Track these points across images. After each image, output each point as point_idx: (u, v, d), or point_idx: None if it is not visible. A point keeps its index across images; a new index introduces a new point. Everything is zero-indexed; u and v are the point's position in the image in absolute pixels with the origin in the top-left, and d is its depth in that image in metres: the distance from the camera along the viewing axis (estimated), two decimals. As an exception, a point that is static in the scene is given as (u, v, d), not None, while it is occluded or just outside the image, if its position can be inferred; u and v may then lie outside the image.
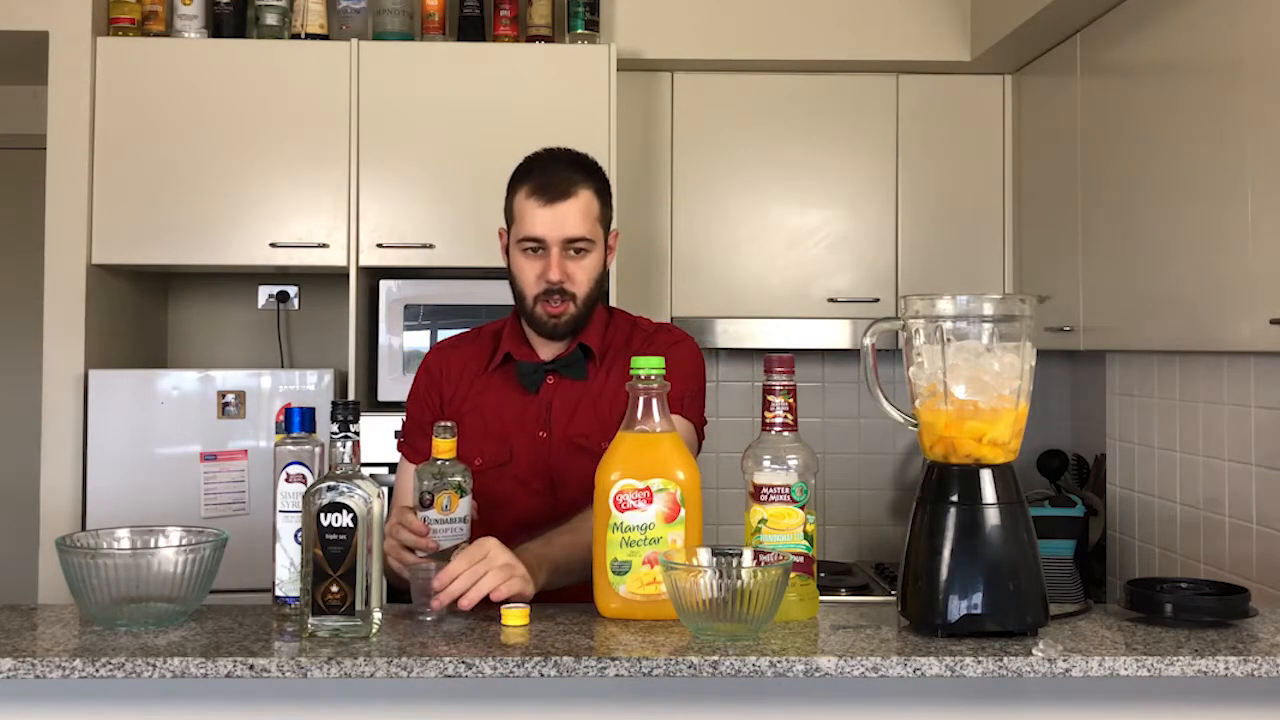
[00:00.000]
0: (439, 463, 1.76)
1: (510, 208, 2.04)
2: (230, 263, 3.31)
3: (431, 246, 3.30)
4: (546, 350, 2.06)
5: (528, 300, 2.01)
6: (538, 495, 2.02)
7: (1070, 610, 1.71)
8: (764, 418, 1.71)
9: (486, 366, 2.08)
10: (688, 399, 2.03)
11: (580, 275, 2.00)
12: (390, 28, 3.38)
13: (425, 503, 1.74)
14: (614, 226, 2.09)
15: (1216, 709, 1.57)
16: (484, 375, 2.07)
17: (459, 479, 1.76)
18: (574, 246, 1.98)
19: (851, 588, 3.40)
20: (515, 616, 1.62)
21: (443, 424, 1.77)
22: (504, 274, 3.32)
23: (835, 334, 3.58)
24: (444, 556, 1.70)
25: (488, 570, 1.65)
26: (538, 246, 1.98)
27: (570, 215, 1.97)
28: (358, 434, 1.58)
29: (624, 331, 2.10)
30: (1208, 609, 1.65)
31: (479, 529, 1.95)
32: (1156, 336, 2.75)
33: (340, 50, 3.31)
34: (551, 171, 2.00)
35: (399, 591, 2.17)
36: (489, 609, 1.64)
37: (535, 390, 2.04)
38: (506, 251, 2.06)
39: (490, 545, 1.68)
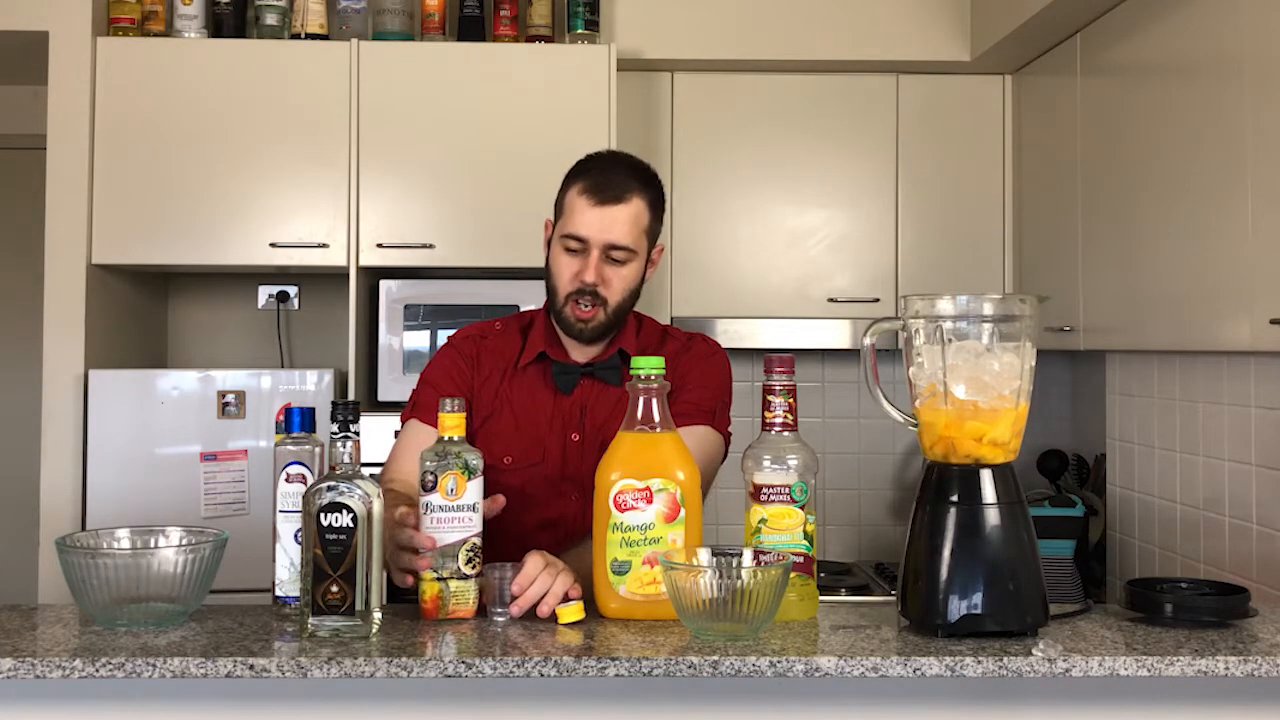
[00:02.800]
0: (443, 440, 1.64)
1: (561, 202, 2.01)
2: (230, 263, 3.31)
3: (431, 246, 3.30)
4: (580, 353, 2.04)
5: (559, 298, 1.98)
6: (565, 497, 2.01)
7: (1070, 610, 1.71)
8: (764, 418, 1.71)
9: (516, 362, 2.04)
10: (719, 411, 2.03)
11: (616, 283, 1.96)
12: (390, 28, 3.39)
13: (427, 486, 1.63)
14: (660, 242, 2.05)
15: (1216, 709, 1.57)
16: (514, 371, 2.04)
17: (467, 458, 1.63)
18: (615, 254, 1.95)
19: (851, 588, 3.40)
20: (570, 613, 1.61)
21: (451, 399, 1.66)
22: (504, 274, 3.38)
23: (835, 334, 3.58)
24: (451, 554, 1.62)
25: (559, 573, 1.64)
26: (580, 247, 1.95)
27: (618, 221, 1.94)
28: (358, 434, 1.58)
29: (654, 338, 2.08)
30: (1208, 609, 1.65)
31: (500, 525, 1.96)
32: (1156, 336, 2.75)
33: (340, 50, 3.31)
34: (609, 173, 1.97)
35: (399, 591, 2.17)
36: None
37: (568, 392, 2.02)
38: (548, 244, 2.03)
39: (546, 555, 1.67)
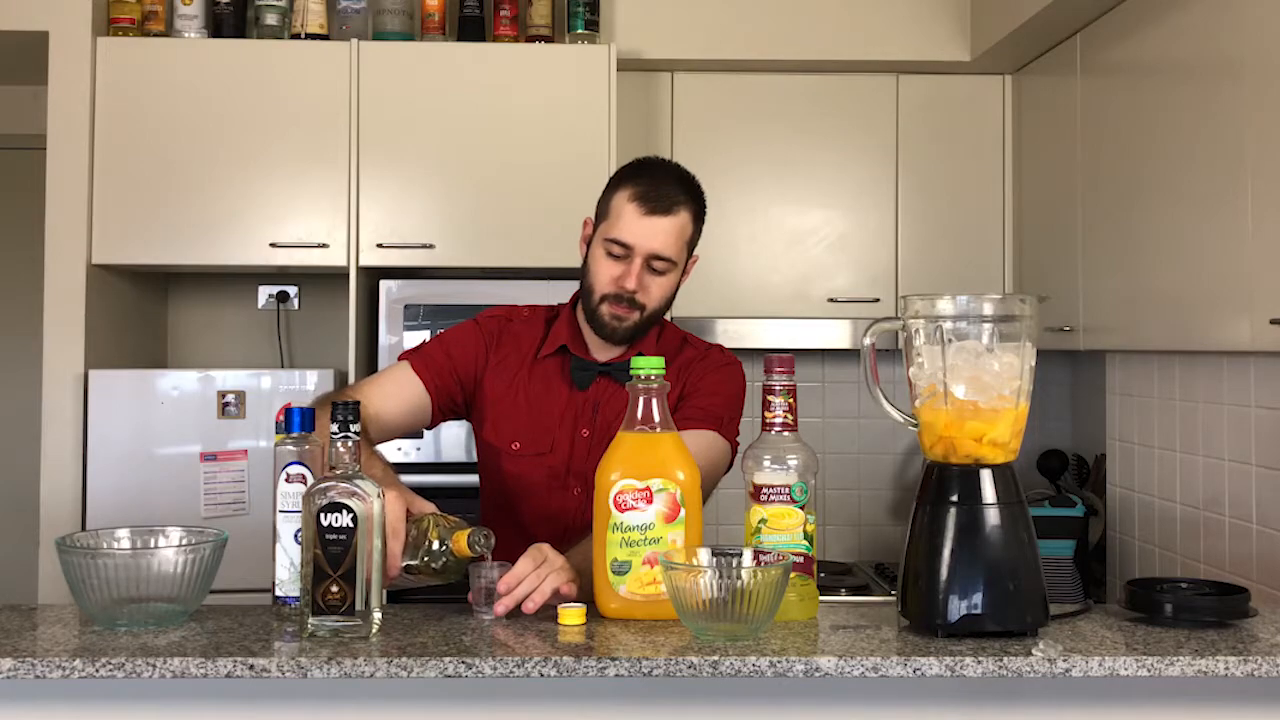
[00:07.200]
0: (450, 559, 1.67)
1: (606, 204, 2.01)
2: (230, 263, 3.31)
3: (431, 246, 3.30)
4: (601, 351, 2.06)
5: (595, 297, 1.99)
6: (567, 490, 2.02)
7: (1070, 610, 1.71)
8: (764, 418, 1.71)
9: (537, 352, 2.07)
10: (727, 420, 2.03)
11: (655, 290, 1.99)
12: (390, 28, 3.39)
13: (409, 569, 1.67)
14: (696, 251, 2.06)
15: (1216, 709, 1.57)
16: (533, 360, 2.06)
17: (454, 579, 1.68)
18: (657, 264, 1.97)
19: (851, 588, 3.40)
20: (572, 616, 1.62)
21: (485, 532, 1.66)
22: (504, 274, 3.39)
23: (835, 334, 3.58)
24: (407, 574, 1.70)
25: (550, 573, 1.65)
26: (623, 253, 1.96)
27: (664, 232, 1.95)
28: (358, 434, 1.58)
29: (674, 344, 2.09)
30: (1208, 609, 1.65)
31: (500, 514, 1.96)
32: (1156, 336, 2.75)
33: (340, 50, 3.31)
34: (660, 182, 1.98)
35: (398, 591, 2.18)
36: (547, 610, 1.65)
37: (584, 388, 2.04)
38: (587, 242, 2.04)
39: (547, 549, 1.69)
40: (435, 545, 1.66)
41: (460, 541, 1.65)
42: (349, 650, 1.48)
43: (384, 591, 1.62)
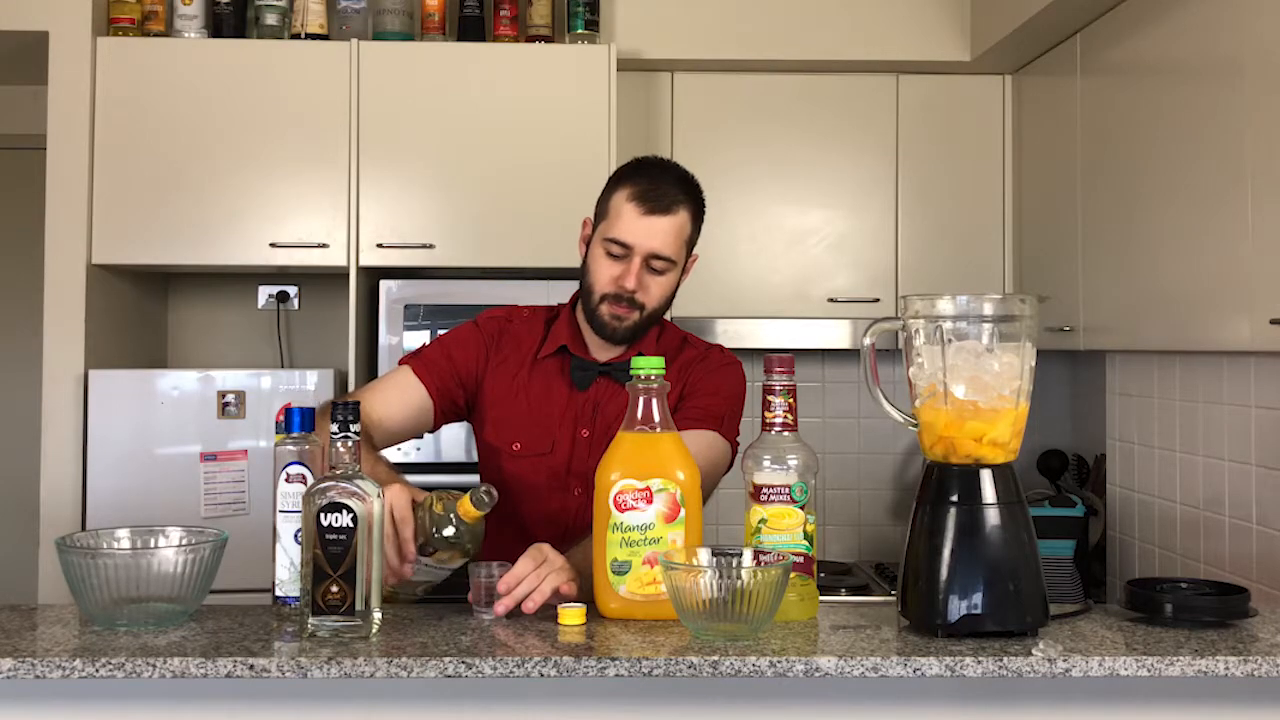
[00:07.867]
0: (461, 526, 1.67)
1: (605, 204, 2.01)
2: (230, 263, 3.31)
3: (431, 246, 3.30)
4: (601, 351, 2.06)
5: (594, 297, 1.99)
6: (568, 491, 2.03)
7: (1070, 610, 1.71)
8: (764, 418, 1.71)
9: (537, 352, 2.07)
10: (728, 419, 2.03)
11: (655, 290, 1.99)
12: (390, 28, 3.39)
13: (425, 550, 1.68)
14: (696, 250, 2.07)
15: (1216, 709, 1.57)
16: (534, 361, 2.06)
17: (471, 547, 1.69)
18: (656, 263, 1.97)
19: (851, 588, 3.40)
20: (572, 616, 1.62)
21: (485, 488, 1.67)
22: (504, 274, 3.39)
23: (835, 334, 3.58)
24: (410, 590, 1.72)
25: (550, 572, 1.65)
26: (622, 253, 1.96)
27: (663, 232, 1.95)
28: (358, 434, 1.57)
29: (675, 344, 2.09)
30: (1208, 609, 1.65)
31: (501, 515, 1.97)
32: (1156, 336, 2.75)
33: (340, 50, 3.31)
34: (659, 182, 1.98)
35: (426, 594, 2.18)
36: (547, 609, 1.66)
37: (584, 388, 2.04)
38: (586, 242, 2.04)
39: (547, 549, 1.69)
40: (442, 516, 1.67)
41: (465, 505, 1.65)
42: (349, 650, 1.48)
43: (415, 592, 1.65)
